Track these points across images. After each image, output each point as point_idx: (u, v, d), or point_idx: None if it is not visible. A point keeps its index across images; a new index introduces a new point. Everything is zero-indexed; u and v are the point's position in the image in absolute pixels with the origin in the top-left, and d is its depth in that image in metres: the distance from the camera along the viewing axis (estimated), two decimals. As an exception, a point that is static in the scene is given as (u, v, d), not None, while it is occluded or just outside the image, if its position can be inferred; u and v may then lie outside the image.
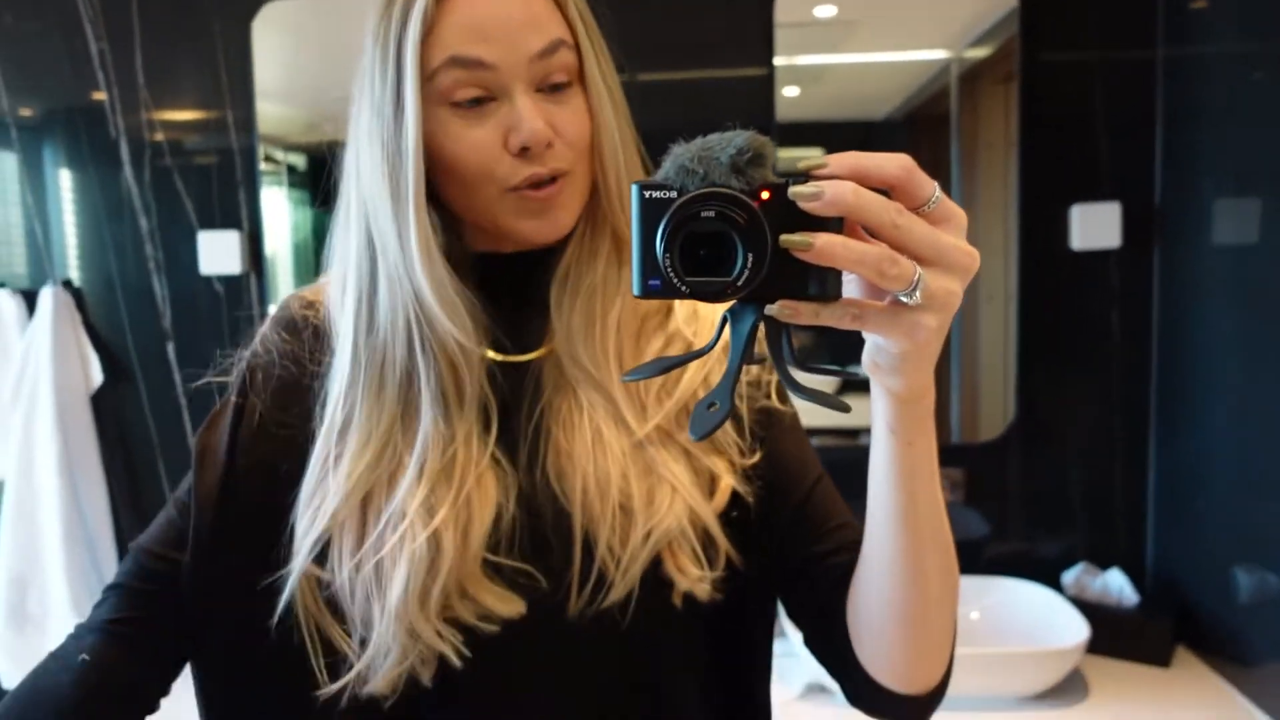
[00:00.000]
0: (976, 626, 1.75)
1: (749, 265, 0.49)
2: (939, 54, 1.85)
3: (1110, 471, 1.85)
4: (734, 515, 0.75)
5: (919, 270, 0.49)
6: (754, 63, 1.84)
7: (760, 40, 1.82)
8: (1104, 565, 1.82)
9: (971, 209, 1.88)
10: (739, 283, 0.49)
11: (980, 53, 1.84)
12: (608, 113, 0.74)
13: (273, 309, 0.86)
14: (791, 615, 0.79)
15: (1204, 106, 1.68)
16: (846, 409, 0.53)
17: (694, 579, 0.72)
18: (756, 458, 0.76)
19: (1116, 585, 1.75)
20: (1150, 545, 1.85)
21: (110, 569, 1.96)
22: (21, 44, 1.93)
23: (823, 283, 0.51)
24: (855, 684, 0.71)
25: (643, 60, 1.85)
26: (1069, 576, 1.80)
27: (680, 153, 0.51)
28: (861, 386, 0.61)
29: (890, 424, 0.58)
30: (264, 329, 0.83)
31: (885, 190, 0.50)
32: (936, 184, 0.51)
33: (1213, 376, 1.66)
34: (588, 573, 0.72)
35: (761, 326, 0.53)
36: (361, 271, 0.74)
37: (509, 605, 0.72)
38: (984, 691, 1.53)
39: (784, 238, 0.49)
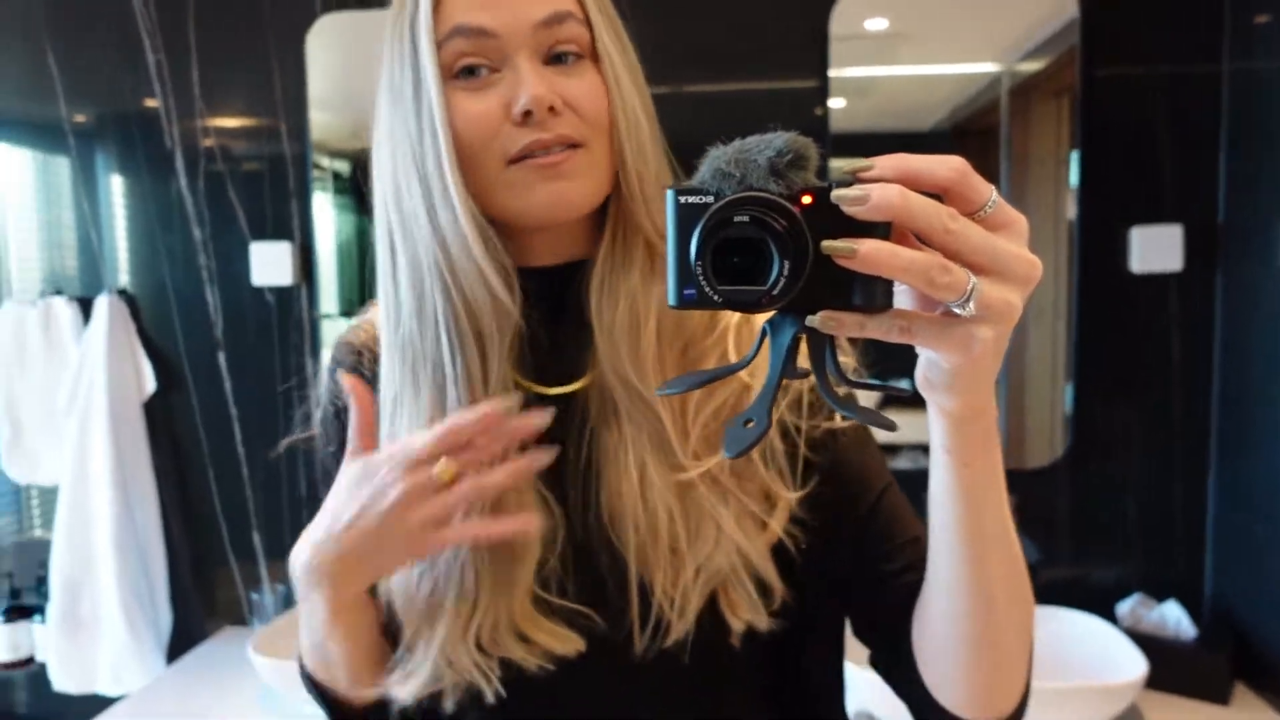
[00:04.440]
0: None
1: (785, 273, 0.46)
2: (989, 67, 1.82)
3: (1168, 499, 1.81)
4: (786, 553, 0.72)
5: (973, 279, 0.46)
6: (804, 75, 1.82)
7: (813, 53, 1.80)
8: (1160, 596, 1.77)
9: (1020, 223, 1.86)
10: (775, 292, 0.46)
11: (1033, 66, 1.81)
12: (623, 88, 0.71)
13: (325, 354, 0.86)
14: (857, 633, 0.77)
15: (1269, 124, 1.63)
16: (893, 427, 0.50)
17: (749, 619, 0.71)
18: (809, 489, 0.73)
19: (1174, 617, 1.71)
20: (1209, 577, 1.80)
21: (160, 575, 1.99)
22: (80, 54, 1.97)
23: (869, 292, 0.47)
24: (923, 709, 0.69)
25: (693, 71, 1.84)
26: (1124, 607, 1.76)
27: (717, 155, 0.49)
28: (908, 403, 0.58)
29: (946, 444, 0.55)
30: (325, 381, 0.83)
31: (937, 195, 0.46)
32: (994, 188, 0.48)
33: (1278, 403, 1.61)
34: (646, 616, 0.71)
35: (804, 339, 0.51)
36: (384, 267, 0.73)
37: (566, 643, 0.72)
38: (1036, 725, 1.49)
39: (826, 244, 0.45)
